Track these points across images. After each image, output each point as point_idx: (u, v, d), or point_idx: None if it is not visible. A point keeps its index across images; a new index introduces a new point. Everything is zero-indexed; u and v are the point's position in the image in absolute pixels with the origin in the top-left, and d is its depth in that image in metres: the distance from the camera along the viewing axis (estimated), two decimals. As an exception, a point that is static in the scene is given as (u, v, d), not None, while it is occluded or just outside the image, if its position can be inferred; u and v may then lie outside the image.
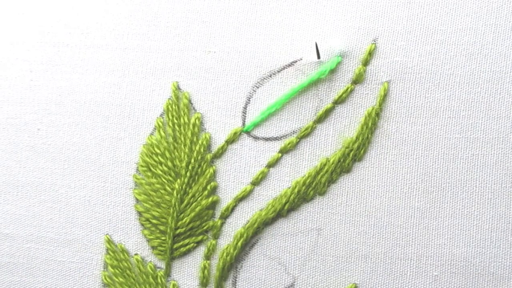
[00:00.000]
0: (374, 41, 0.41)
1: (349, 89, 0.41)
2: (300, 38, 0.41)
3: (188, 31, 0.43)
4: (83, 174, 0.43)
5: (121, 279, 0.42)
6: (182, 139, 0.42)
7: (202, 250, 0.42)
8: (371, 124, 0.40)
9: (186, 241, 0.42)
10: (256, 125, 0.42)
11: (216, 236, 0.42)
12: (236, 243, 0.41)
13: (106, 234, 0.42)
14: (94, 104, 0.43)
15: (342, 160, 0.41)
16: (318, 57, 0.38)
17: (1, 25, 0.45)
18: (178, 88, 0.42)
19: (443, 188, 0.40)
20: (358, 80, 0.41)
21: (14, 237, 0.43)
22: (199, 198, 0.42)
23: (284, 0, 0.42)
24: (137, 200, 0.42)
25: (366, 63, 0.41)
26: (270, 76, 0.42)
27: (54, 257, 0.43)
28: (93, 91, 0.43)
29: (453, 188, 0.40)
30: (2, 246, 0.43)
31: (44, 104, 0.43)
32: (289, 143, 0.41)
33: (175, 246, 0.42)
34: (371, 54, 0.41)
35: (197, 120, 0.42)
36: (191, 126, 0.42)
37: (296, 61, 0.41)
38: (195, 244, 0.42)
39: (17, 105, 0.44)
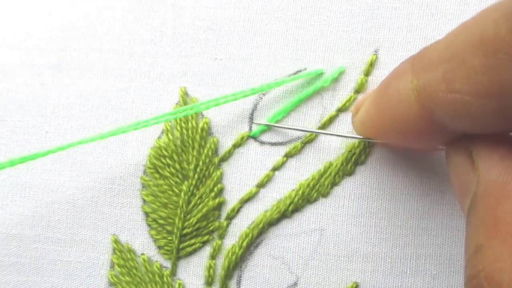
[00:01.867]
0: (375, 52, 0.42)
1: (352, 98, 0.42)
2: (304, 48, 0.43)
3: (195, 38, 0.43)
4: (91, 176, 0.43)
5: (127, 278, 0.43)
6: (190, 142, 0.43)
7: (207, 250, 0.43)
8: (373, 130, 0.42)
9: (192, 241, 0.43)
10: (263, 130, 0.43)
11: (221, 236, 0.43)
12: (241, 243, 0.42)
13: (113, 234, 0.43)
14: (102, 108, 0.43)
15: (345, 163, 0.42)
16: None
17: (10, 29, 0.45)
18: (186, 93, 0.43)
19: (442, 190, 0.42)
20: (360, 89, 0.42)
21: (21, 238, 0.43)
22: (206, 200, 0.43)
23: (288, 10, 0.43)
24: (144, 201, 0.43)
25: (367, 73, 0.42)
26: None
27: (61, 257, 0.43)
28: (101, 95, 0.43)
29: (452, 189, 0.40)
30: (10, 246, 0.43)
31: (52, 107, 0.44)
32: (294, 148, 0.42)
33: (181, 246, 0.43)
34: (372, 64, 0.42)
35: (205, 125, 0.43)
36: (199, 130, 0.43)
37: (301, 71, 0.43)
38: (201, 244, 0.43)
39: (25, 108, 0.44)
